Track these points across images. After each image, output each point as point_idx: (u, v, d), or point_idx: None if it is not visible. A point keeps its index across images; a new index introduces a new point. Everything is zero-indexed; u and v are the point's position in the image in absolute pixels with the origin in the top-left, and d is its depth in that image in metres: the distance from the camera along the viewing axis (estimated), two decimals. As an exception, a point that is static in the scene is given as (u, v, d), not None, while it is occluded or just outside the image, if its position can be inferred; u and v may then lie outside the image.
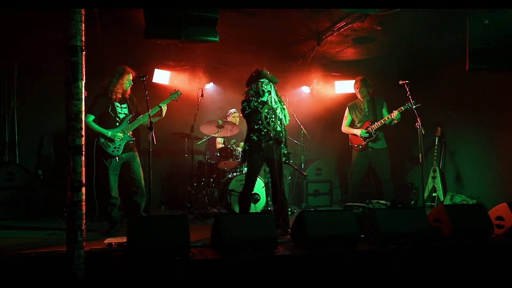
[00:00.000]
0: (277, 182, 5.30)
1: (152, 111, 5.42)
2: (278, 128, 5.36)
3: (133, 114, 5.63)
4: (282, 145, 5.41)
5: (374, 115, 6.97)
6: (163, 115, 5.67)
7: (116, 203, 5.47)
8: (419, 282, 4.16)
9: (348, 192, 8.05)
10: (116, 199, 5.48)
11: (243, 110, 5.41)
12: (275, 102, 5.41)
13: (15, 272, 3.71)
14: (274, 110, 5.24)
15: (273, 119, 5.22)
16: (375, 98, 7.09)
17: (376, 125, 6.83)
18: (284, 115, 5.47)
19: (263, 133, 5.33)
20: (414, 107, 6.26)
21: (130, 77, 5.52)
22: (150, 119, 5.15)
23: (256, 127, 5.36)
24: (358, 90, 7.06)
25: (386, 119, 6.73)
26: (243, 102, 5.45)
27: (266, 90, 5.36)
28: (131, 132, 5.56)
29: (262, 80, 5.39)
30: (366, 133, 6.86)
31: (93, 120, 5.39)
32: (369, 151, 6.95)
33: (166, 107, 5.65)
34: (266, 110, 5.17)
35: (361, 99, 7.07)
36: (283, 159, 5.43)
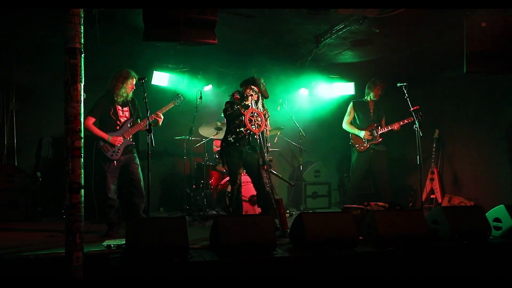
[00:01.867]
0: (259, 187, 5.47)
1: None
2: (255, 136, 5.43)
3: (134, 118, 5.64)
4: (257, 151, 5.49)
5: (378, 119, 7.00)
6: (160, 124, 5.66)
7: (114, 205, 5.47)
8: (417, 282, 4.17)
9: (346, 194, 8.06)
10: (114, 200, 5.48)
11: (225, 111, 5.57)
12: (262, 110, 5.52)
13: (14, 274, 3.71)
14: (260, 115, 5.29)
15: (259, 122, 5.28)
16: (379, 102, 7.11)
17: (382, 130, 6.85)
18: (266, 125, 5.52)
19: (240, 136, 5.44)
20: (412, 110, 6.28)
21: (134, 81, 5.53)
22: (149, 121, 5.15)
23: (234, 129, 5.50)
24: (379, 92, 7.04)
25: (389, 128, 6.77)
26: (226, 102, 5.62)
27: (249, 95, 5.45)
28: (131, 136, 5.57)
29: (252, 87, 5.51)
30: (370, 135, 6.88)
31: (94, 123, 5.40)
32: (371, 153, 6.95)
33: (162, 117, 5.66)
34: (251, 113, 5.25)
35: (374, 99, 7.05)
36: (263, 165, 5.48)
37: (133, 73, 5.55)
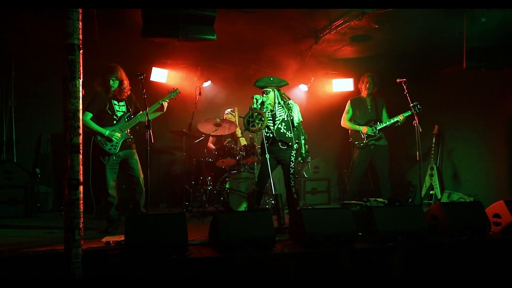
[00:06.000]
0: (286, 183, 5.44)
1: (153, 107, 5.53)
2: (282, 130, 5.40)
3: (131, 112, 5.64)
4: (292, 145, 5.45)
5: (376, 115, 6.96)
6: (165, 110, 5.68)
7: (113, 201, 5.48)
8: (415, 282, 4.17)
9: (346, 190, 8.06)
10: (114, 197, 5.48)
11: None
12: (279, 105, 5.48)
13: (13, 271, 3.70)
14: (260, 114, 5.27)
15: (259, 121, 5.27)
16: (377, 97, 7.09)
17: (381, 125, 6.82)
18: (293, 116, 5.48)
19: (267, 135, 5.42)
20: (411, 104, 6.27)
21: (120, 74, 5.49)
22: (148, 118, 5.15)
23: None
24: (367, 86, 7.00)
25: (400, 119, 6.72)
26: None
27: (253, 98, 5.41)
28: (129, 130, 5.57)
29: (263, 89, 5.48)
30: (371, 131, 6.84)
31: (91, 118, 5.40)
32: (371, 148, 6.92)
33: (166, 103, 5.67)
34: (249, 116, 5.24)
35: (369, 96, 7.02)
36: (299, 159, 5.48)
37: (118, 67, 5.50)
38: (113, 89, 5.47)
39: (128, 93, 5.62)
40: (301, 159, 5.50)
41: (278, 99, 5.49)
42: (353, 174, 7.15)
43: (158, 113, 5.70)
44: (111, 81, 5.44)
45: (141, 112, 5.61)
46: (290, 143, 5.42)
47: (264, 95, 5.44)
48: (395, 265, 4.23)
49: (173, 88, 5.88)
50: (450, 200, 7.04)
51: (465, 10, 5.34)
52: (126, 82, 5.54)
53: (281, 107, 5.48)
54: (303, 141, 5.48)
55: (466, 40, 5.35)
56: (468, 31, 5.34)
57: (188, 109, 7.06)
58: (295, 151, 5.48)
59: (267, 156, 5.28)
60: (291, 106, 5.49)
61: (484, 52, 5.33)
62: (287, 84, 5.61)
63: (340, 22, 6.13)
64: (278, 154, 5.44)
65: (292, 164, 5.46)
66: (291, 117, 5.46)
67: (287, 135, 5.42)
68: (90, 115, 5.40)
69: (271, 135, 5.43)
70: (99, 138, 5.40)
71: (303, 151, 5.47)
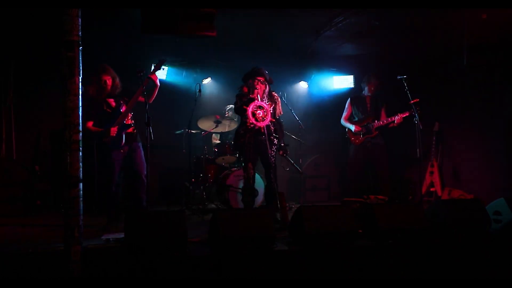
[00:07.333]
0: (270, 177, 5.47)
1: (148, 93, 5.35)
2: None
3: (125, 103, 5.58)
4: (274, 138, 5.53)
5: (375, 113, 6.95)
6: (158, 84, 5.45)
7: (116, 198, 5.47)
8: (415, 281, 4.16)
9: (346, 188, 8.04)
10: (117, 194, 5.47)
11: (235, 105, 5.63)
12: (268, 99, 5.55)
13: (12, 269, 3.70)
14: (263, 106, 5.30)
15: (263, 114, 5.31)
16: (378, 97, 7.08)
17: (378, 124, 6.81)
18: (276, 109, 5.60)
19: (250, 128, 5.43)
20: (412, 102, 6.24)
21: (110, 73, 5.47)
22: (147, 114, 5.12)
23: (244, 123, 5.54)
24: (369, 85, 7.00)
25: (390, 120, 6.71)
26: (236, 96, 5.65)
27: (255, 88, 5.43)
28: (129, 120, 5.52)
29: (258, 78, 5.48)
30: (360, 129, 6.84)
31: (93, 124, 5.41)
32: (368, 146, 6.91)
33: (156, 76, 5.43)
34: (251, 107, 5.25)
35: (368, 94, 7.02)
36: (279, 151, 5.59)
37: (106, 66, 5.47)
38: (107, 87, 5.45)
39: (120, 89, 5.59)
40: (283, 152, 5.60)
41: (266, 92, 5.53)
42: (350, 172, 7.15)
43: (154, 89, 5.45)
44: (106, 80, 5.43)
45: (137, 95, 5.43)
46: (271, 136, 5.46)
47: (261, 83, 5.49)
48: (395, 262, 4.23)
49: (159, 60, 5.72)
50: (451, 197, 7.02)
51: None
52: (117, 79, 5.53)
53: (267, 99, 5.53)
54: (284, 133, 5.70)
55: (467, 37, 5.33)
56: (469, 27, 5.32)
57: (187, 106, 7.03)
58: (275, 145, 5.55)
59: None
60: (276, 100, 5.56)
61: (485, 49, 5.32)
62: (271, 83, 5.69)
63: (340, 19, 6.11)
64: (259, 147, 5.48)
65: (273, 158, 5.52)
66: (275, 110, 5.57)
67: (271, 128, 5.46)
68: (91, 122, 5.42)
69: (255, 127, 5.44)
70: (101, 138, 5.39)
71: (282, 144, 5.68)
